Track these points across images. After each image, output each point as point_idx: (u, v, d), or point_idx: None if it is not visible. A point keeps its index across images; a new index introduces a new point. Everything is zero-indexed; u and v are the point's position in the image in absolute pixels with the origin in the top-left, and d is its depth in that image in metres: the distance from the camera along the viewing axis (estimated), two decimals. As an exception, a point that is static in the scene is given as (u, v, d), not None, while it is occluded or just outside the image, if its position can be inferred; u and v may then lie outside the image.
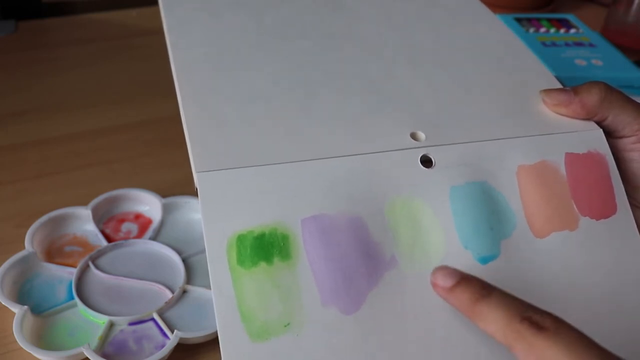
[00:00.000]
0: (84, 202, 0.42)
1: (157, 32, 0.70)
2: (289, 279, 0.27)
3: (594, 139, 0.34)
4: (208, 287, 0.38)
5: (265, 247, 0.27)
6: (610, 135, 0.35)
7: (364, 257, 0.28)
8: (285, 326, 0.26)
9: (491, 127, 0.33)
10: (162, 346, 0.34)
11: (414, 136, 0.32)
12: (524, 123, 0.34)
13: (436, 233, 0.30)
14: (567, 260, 0.31)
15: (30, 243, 0.39)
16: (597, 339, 0.28)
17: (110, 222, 0.43)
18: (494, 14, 0.44)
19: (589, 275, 0.31)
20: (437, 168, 0.31)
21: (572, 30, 0.66)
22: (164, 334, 0.35)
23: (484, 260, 0.30)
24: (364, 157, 0.30)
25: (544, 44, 0.62)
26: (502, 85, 0.36)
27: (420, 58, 0.37)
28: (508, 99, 0.35)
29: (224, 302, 0.26)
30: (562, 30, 0.65)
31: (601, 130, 0.34)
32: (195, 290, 0.38)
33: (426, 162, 0.31)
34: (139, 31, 0.71)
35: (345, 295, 0.27)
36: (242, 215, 0.27)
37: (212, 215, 0.27)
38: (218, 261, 0.27)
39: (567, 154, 0.33)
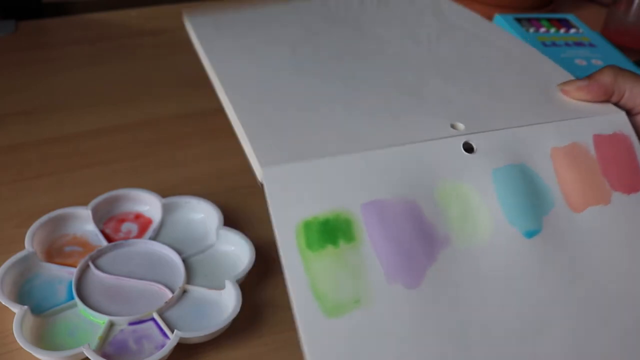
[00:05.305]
0: (84, 202, 0.42)
1: (157, 32, 0.71)
2: (355, 259, 0.29)
3: (618, 121, 0.37)
4: (208, 287, 0.38)
5: (331, 231, 0.29)
6: (630, 113, 0.37)
7: (420, 236, 0.31)
8: (355, 302, 0.28)
9: (523, 115, 0.36)
10: (162, 346, 0.34)
11: (454, 126, 0.34)
12: (553, 111, 0.37)
13: (483, 212, 0.32)
14: (604, 231, 0.34)
15: (30, 243, 0.39)
16: (635, 305, 0.32)
17: (110, 222, 0.43)
18: (508, 33, 0.48)
19: (625, 244, 0.34)
20: (478, 153, 0.33)
21: (572, 30, 0.66)
22: (164, 334, 0.35)
23: (529, 234, 0.32)
24: (411, 147, 0.33)
25: (544, 44, 0.62)
26: (526, 84, 0.40)
27: (447, 68, 0.41)
28: (534, 94, 0.38)
29: (298, 283, 0.28)
30: (562, 30, 0.65)
31: (624, 112, 0.37)
32: (195, 290, 0.38)
33: (468, 149, 0.33)
34: (139, 31, 0.71)
35: (406, 271, 0.30)
36: (306, 204, 0.29)
37: (279, 206, 0.29)
38: (288, 246, 0.29)
39: (595, 135, 0.36)
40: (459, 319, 0.30)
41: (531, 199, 0.33)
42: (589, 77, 0.38)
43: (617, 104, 0.38)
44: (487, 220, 0.32)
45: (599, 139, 0.36)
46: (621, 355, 0.31)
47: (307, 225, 0.29)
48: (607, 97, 0.37)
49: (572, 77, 0.40)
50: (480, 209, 0.32)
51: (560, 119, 0.36)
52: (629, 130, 0.37)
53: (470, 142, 0.33)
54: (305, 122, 0.34)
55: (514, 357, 0.30)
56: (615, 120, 0.37)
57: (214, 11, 0.53)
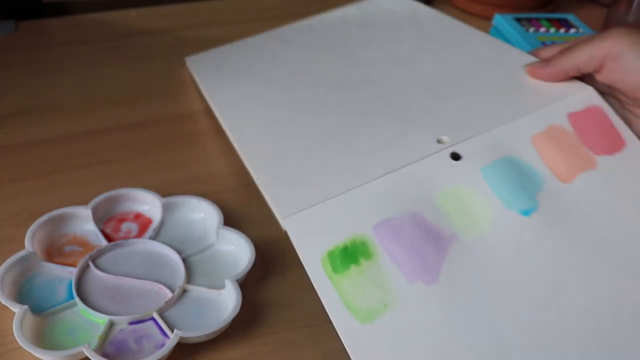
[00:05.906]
0: (84, 202, 0.42)
1: (157, 32, 0.71)
2: (376, 271, 0.33)
3: (587, 97, 0.41)
4: (208, 286, 0.38)
5: (351, 254, 0.34)
6: (597, 71, 0.41)
7: (429, 239, 0.34)
8: (384, 306, 0.32)
9: (499, 116, 0.40)
10: (162, 345, 0.34)
11: (440, 141, 0.39)
12: (527, 102, 0.41)
13: (481, 204, 0.36)
14: (598, 191, 0.37)
15: (30, 243, 0.39)
16: (637, 262, 0.35)
17: (110, 221, 0.43)
18: (477, 30, 0.52)
19: (621, 197, 0.37)
20: (465, 159, 0.38)
21: (572, 30, 0.66)
22: (164, 334, 0.35)
23: (527, 212, 0.36)
24: (407, 168, 0.37)
25: (544, 43, 0.62)
26: (499, 80, 0.44)
27: (428, 84, 0.45)
28: (508, 89, 0.43)
29: (332, 302, 0.32)
30: (562, 30, 0.65)
31: (591, 87, 0.41)
32: (195, 290, 0.38)
33: (456, 157, 0.38)
34: (139, 31, 0.71)
35: (423, 270, 0.33)
36: (325, 238, 0.34)
37: (303, 245, 0.34)
38: (318, 275, 0.33)
39: (569, 114, 0.40)
40: (481, 299, 0.33)
41: (522, 183, 0.37)
42: (547, 61, 0.42)
43: (585, 75, 0.42)
44: (485, 210, 0.36)
45: (573, 116, 0.40)
46: (635, 293, 0.34)
47: (330, 255, 0.34)
48: (567, 78, 0.42)
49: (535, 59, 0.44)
50: (478, 203, 0.36)
51: (534, 108, 0.40)
52: (598, 100, 0.41)
53: (456, 152, 0.38)
54: (311, 168, 0.39)
55: (539, 321, 0.32)
56: (585, 95, 0.41)
57: (213, 50, 0.59)
